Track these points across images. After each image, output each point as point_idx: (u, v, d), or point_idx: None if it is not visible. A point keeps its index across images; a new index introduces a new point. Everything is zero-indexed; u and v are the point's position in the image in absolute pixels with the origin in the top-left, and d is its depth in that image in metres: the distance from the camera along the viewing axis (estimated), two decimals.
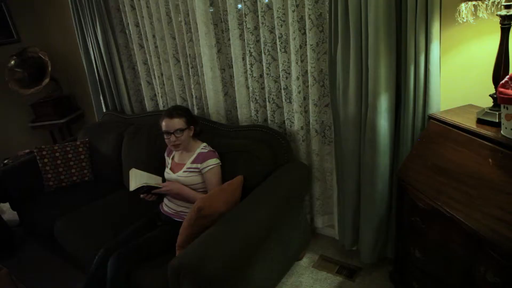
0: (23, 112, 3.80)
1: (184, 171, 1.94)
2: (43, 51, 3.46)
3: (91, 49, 3.12)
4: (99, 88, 3.25)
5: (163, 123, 1.90)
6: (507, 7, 1.28)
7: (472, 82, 1.63)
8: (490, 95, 1.43)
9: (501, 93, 1.22)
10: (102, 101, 3.30)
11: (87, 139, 2.89)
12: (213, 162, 1.91)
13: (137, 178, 1.88)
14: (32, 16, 3.77)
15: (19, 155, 3.26)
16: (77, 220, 2.27)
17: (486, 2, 1.33)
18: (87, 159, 2.82)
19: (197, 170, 1.92)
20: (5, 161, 3.19)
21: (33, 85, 3.48)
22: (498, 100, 1.24)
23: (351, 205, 1.99)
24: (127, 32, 2.91)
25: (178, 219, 1.92)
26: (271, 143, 2.05)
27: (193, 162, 1.94)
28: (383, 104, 1.67)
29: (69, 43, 3.65)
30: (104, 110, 3.32)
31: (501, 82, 1.27)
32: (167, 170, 2.04)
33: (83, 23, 3.07)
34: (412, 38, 1.56)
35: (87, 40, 3.11)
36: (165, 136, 1.91)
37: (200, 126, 2.05)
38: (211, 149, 1.99)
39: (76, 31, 3.18)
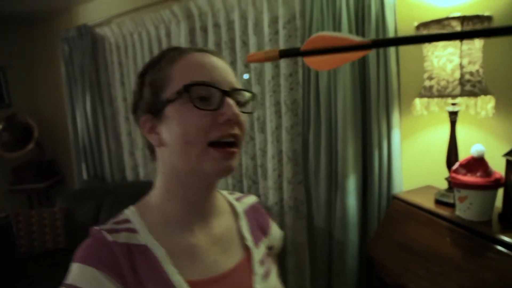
0: (2, 175, 3.79)
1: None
2: (31, 116, 3.57)
3: (78, 118, 3.24)
4: (82, 155, 3.32)
5: (212, 73, 0.64)
6: (453, 104, 1.48)
7: (430, 165, 1.78)
8: (445, 179, 1.57)
9: (453, 178, 1.36)
10: (84, 168, 3.35)
11: (65, 206, 2.89)
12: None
13: None
14: (26, 83, 3.93)
15: None
16: None
17: (436, 100, 1.54)
18: (63, 227, 2.80)
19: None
20: None
21: (17, 148, 3.53)
22: (451, 184, 1.38)
23: (323, 280, 2.03)
24: (114, 105, 3.07)
25: None
26: None
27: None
28: (351, 184, 1.80)
29: (58, 111, 3.79)
30: (85, 177, 3.36)
31: (452, 168, 1.42)
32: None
33: (73, 93, 3.23)
34: (376, 126, 1.74)
35: (76, 110, 3.25)
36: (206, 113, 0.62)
37: None
38: None
39: (66, 101, 3.33)
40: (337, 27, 1.72)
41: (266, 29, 2.03)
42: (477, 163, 1.28)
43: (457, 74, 1.36)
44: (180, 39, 2.41)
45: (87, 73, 3.03)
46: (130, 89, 2.90)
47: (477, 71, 1.35)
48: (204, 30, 2.34)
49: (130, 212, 0.68)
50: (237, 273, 0.68)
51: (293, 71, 2.03)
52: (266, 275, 0.73)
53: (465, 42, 1.31)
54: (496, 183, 1.24)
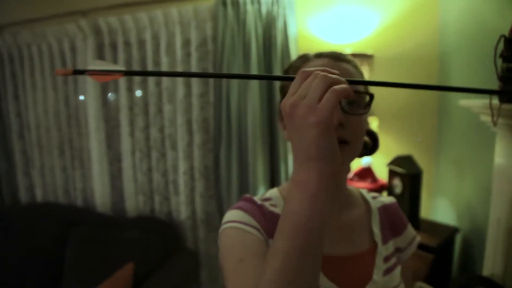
0: None
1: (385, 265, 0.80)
2: None
3: None
4: None
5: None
6: None
7: None
8: None
9: (349, 184, 1.61)
10: None
11: None
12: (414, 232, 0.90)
13: None
14: None
15: None
16: None
17: None
18: None
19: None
20: None
21: None
22: None
23: None
24: (5, 121, 2.81)
25: None
26: (159, 232, 2.14)
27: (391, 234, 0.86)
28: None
29: None
30: None
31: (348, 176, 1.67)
32: None
33: None
34: (282, 140, 1.94)
35: None
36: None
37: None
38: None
39: None
40: (247, 52, 1.90)
41: (178, 51, 2.12)
42: (367, 172, 1.55)
43: None
44: (87, 55, 2.35)
45: None
46: (25, 103, 2.69)
47: None
48: (114, 47, 2.33)
49: (273, 192, 0.79)
50: (357, 260, 0.75)
51: (204, 91, 2.15)
52: (387, 272, 0.77)
53: None
54: (382, 187, 1.53)
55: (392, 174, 1.63)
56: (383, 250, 0.79)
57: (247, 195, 0.78)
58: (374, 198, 0.87)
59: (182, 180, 2.24)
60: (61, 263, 2.19)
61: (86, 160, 2.54)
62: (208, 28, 2.07)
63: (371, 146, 0.81)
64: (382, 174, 1.71)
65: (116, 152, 2.47)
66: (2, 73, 2.76)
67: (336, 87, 0.48)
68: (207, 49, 2.11)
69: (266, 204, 0.75)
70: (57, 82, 2.56)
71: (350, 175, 1.69)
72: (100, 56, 2.37)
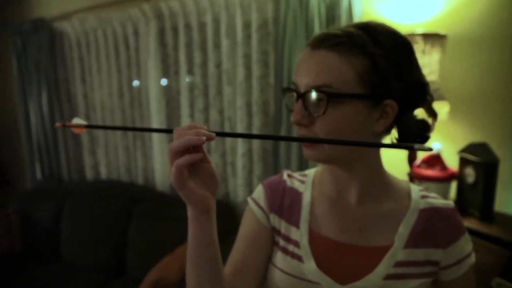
0: None
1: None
2: None
3: (32, 115, 3.10)
4: (37, 154, 3.18)
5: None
6: None
7: (389, 161, 1.96)
8: (407, 173, 1.75)
9: (416, 172, 1.54)
10: (38, 168, 3.21)
11: (19, 207, 2.75)
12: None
13: None
14: None
15: None
16: None
17: None
18: (18, 229, 2.67)
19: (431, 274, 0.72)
20: None
21: None
22: (414, 177, 1.57)
23: None
24: (73, 102, 2.98)
25: None
26: (218, 212, 2.18)
27: (416, 245, 0.71)
28: None
29: (5, 108, 3.58)
30: (39, 177, 3.21)
31: (415, 164, 1.60)
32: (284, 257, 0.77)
33: (27, 90, 3.08)
34: None
35: (29, 107, 3.11)
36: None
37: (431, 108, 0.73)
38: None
39: (17, 97, 3.17)
40: (309, 34, 1.85)
41: (239, 33, 2.11)
42: (436, 160, 1.47)
43: None
44: (149, 38, 2.41)
45: (43, 69, 2.92)
46: (92, 86, 2.84)
47: (435, 80, 1.54)
48: (175, 30, 2.37)
49: (313, 171, 0.83)
50: (362, 252, 0.71)
51: (265, 74, 2.13)
52: (393, 277, 0.68)
53: (426, 54, 1.49)
54: (451, 176, 1.44)
55: (464, 162, 1.53)
56: (401, 253, 0.69)
57: (286, 170, 0.86)
58: (424, 197, 0.74)
59: (240, 162, 2.26)
60: (125, 237, 2.32)
61: (147, 140, 2.64)
62: (269, 9, 2.04)
63: (422, 133, 0.69)
64: (452, 162, 1.62)
65: None
66: (70, 57, 2.92)
67: (177, 161, 0.55)
68: (267, 31, 2.08)
69: (294, 179, 0.82)
70: (121, 65, 2.66)
71: (418, 162, 1.62)
72: (162, 39, 2.42)
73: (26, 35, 2.98)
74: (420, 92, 0.67)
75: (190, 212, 0.63)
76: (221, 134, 0.60)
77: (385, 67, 0.62)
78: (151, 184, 2.68)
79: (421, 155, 1.64)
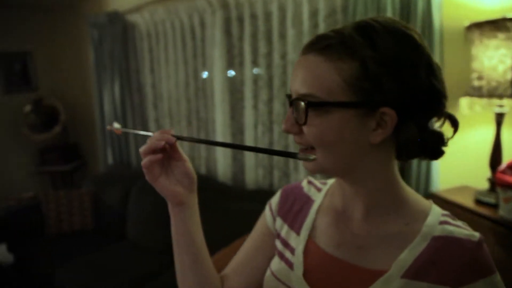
0: (29, 156, 3.86)
1: None
2: (58, 100, 3.62)
3: (106, 103, 3.28)
4: (109, 140, 3.36)
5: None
6: (499, 105, 1.47)
7: (467, 165, 1.78)
8: (488, 179, 1.57)
9: (499, 179, 1.37)
10: (109, 153, 3.40)
11: (92, 189, 2.95)
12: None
13: None
14: (53, 67, 3.97)
15: (22, 197, 3.30)
16: (81, 271, 2.28)
17: (481, 100, 1.53)
18: (90, 209, 2.86)
19: None
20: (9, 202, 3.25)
21: (44, 131, 3.60)
22: (497, 184, 1.39)
23: None
24: (143, 92, 3.10)
25: None
26: None
27: (422, 278, 0.58)
28: None
29: (83, 95, 3.84)
30: (110, 162, 3.41)
31: (499, 169, 1.42)
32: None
33: (102, 79, 3.27)
34: None
35: (104, 95, 3.29)
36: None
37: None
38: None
39: (93, 86, 3.37)
40: None
41: (305, 22, 2.02)
42: None
43: (509, 75, 1.35)
44: (215, 29, 2.41)
45: (116, 60, 3.06)
46: (159, 76, 2.92)
47: None
48: (240, 20, 2.34)
49: (333, 180, 0.78)
50: (355, 273, 0.63)
51: None
52: None
53: None
54: None
55: None
56: (396, 282, 0.58)
57: (309, 178, 0.83)
58: (443, 223, 0.61)
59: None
60: None
61: (210, 131, 2.66)
62: None
63: (431, 146, 0.62)
64: None
65: (239, 124, 2.53)
66: (141, 49, 3.03)
67: (142, 162, 0.67)
68: (336, 20, 1.96)
69: (312, 186, 0.80)
70: (187, 56, 2.70)
71: (502, 166, 1.43)
72: (227, 29, 2.40)
73: (101, 27, 3.14)
74: (429, 98, 0.58)
75: (168, 204, 0.72)
76: (181, 138, 0.67)
77: (376, 72, 0.55)
78: (213, 174, 2.71)
79: (506, 159, 1.45)
